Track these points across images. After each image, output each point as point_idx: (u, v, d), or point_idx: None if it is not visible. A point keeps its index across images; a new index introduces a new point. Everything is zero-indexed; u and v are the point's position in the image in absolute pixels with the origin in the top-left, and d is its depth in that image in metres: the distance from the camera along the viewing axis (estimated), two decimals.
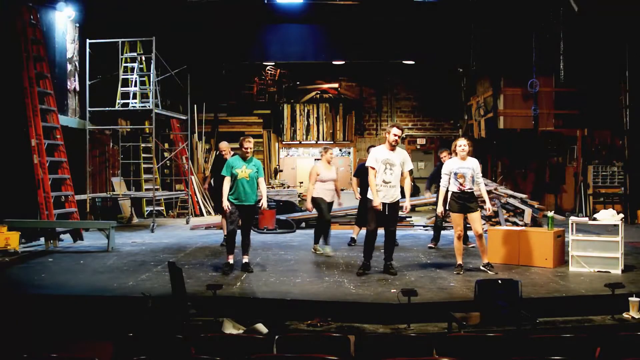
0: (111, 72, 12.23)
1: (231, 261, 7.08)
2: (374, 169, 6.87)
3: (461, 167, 6.94)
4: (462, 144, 7.02)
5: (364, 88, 18.35)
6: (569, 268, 7.14)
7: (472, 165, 6.97)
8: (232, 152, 8.62)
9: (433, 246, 9.08)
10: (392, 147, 6.90)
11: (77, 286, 6.40)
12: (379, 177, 6.82)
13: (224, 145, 9.22)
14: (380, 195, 6.82)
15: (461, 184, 6.90)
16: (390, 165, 6.81)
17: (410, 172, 7.03)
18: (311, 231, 11.19)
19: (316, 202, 8.37)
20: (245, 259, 7.13)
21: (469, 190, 6.92)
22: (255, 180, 7.09)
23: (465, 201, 6.92)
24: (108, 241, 8.84)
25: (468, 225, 7.44)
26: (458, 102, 17.47)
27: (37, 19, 9.94)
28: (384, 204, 6.81)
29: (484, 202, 7.15)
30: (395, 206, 6.89)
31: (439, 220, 9.05)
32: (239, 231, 7.09)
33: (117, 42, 11.65)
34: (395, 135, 6.83)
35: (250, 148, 7.11)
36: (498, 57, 13.53)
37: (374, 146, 7.92)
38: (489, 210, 7.13)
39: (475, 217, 6.95)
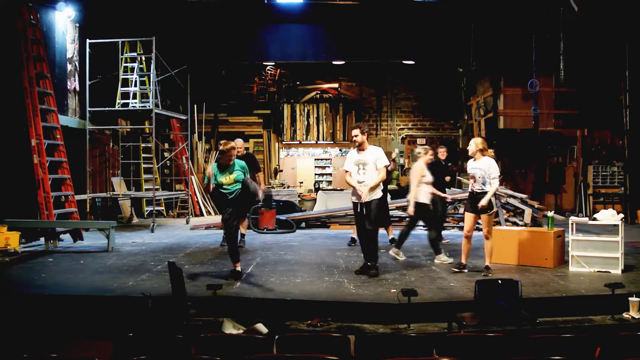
0: (111, 72, 12.23)
1: (239, 268, 6.73)
2: (347, 171, 7.00)
3: (473, 167, 7.00)
4: (470, 143, 7.15)
5: (364, 88, 18.35)
6: (569, 268, 7.14)
7: (483, 167, 6.88)
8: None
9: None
10: (360, 148, 6.96)
11: (77, 286, 6.40)
12: (355, 178, 6.90)
13: (239, 142, 8.68)
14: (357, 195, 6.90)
15: (472, 184, 6.97)
16: (362, 165, 6.88)
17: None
18: (311, 231, 11.24)
19: (422, 208, 7.66)
20: (238, 267, 6.73)
21: (478, 191, 6.88)
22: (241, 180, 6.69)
23: (475, 202, 6.89)
24: (108, 241, 8.84)
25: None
26: (458, 102, 17.48)
27: (37, 19, 9.94)
28: (360, 204, 6.86)
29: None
30: (370, 205, 6.84)
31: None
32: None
33: (117, 42, 11.65)
34: (354, 136, 6.95)
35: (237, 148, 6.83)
36: (498, 57, 13.55)
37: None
38: (480, 206, 6.94)
39: (483, 220, 6.94)
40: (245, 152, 8.92)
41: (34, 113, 9.37)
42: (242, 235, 9.11)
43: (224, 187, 6.65)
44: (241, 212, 7.81)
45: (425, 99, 18.11)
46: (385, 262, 7.74)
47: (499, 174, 6.91)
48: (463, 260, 7.07)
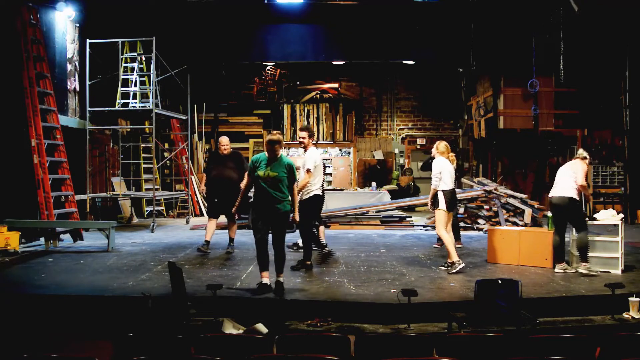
0: (111, 72, 12.23)
1: (266, 281, 6.08)
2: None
3: None
4: None
5: (364, 88, 18.35)
6: None
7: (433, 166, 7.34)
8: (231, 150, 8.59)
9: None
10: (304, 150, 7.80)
11: (77, 286, 6.39)
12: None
13: (225, 140, 8.56)
14: None
15: None
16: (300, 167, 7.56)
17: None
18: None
19: (580, 207, 7.01)
20: (281, 278, 6.14)
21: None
22: (285, 183, 6.06)
23: None
24: (108, 241, 8.84)
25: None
26: (458, 102, 17.48)
27: (37, 19, 9.94)
28: None
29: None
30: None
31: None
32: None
33: (117, 42, 11.65)
34: (302, 138, 7.85)
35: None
36: (498, 57, 13.55)
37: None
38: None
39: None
40: (231, 150, 8.52)
41: (34, 113, 9.37)
42: (232, 240, 8.66)
43: (263, 181, 5.99)
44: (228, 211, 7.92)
45: (425, 99, 18.11)
46: (385, 262, 7.74)
47: (438, 173, 7.21)
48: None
